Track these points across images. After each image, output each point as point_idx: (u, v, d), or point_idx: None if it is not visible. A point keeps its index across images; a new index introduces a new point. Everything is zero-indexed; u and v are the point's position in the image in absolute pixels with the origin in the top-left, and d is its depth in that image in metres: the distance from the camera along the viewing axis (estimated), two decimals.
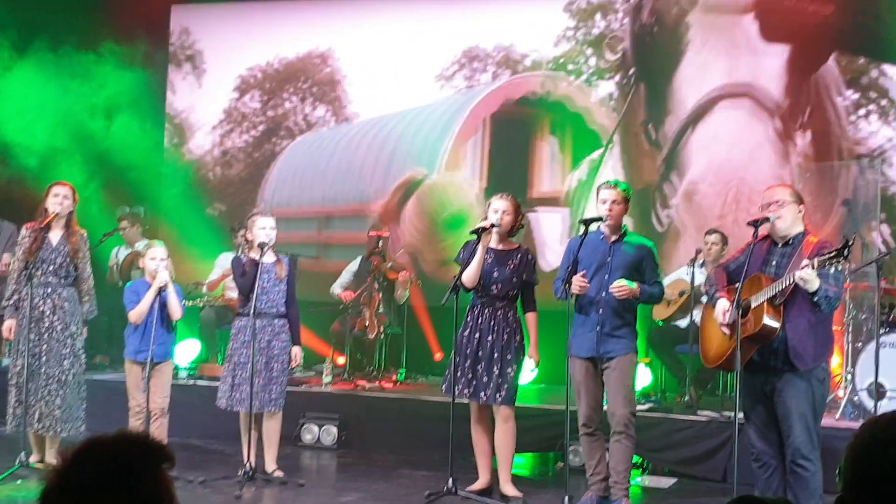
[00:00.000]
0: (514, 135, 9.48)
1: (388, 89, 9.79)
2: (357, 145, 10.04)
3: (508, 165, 9.44)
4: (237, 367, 6.23)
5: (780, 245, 4.88)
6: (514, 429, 5.83)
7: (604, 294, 5.47)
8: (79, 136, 8.76)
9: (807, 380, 4.72)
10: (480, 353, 5.79)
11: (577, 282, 5.42)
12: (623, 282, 5.40)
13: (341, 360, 8.60)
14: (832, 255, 4.46)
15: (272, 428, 6.33)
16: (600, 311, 5.48)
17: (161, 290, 6.23)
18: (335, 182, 10.06)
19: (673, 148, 8.81)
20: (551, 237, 9.20)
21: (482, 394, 5.77)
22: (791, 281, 4.60)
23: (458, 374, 5.82)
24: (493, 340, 5.78)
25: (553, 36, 9.33)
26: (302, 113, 10.37)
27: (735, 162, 8.62)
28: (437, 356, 9.08)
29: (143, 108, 9.26)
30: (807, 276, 4.51)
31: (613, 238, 5.56)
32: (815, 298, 4.59)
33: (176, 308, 6.28)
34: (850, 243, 4.52)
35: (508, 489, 5.84)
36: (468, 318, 5.89)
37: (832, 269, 4.50)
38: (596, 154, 9.09)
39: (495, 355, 5.77)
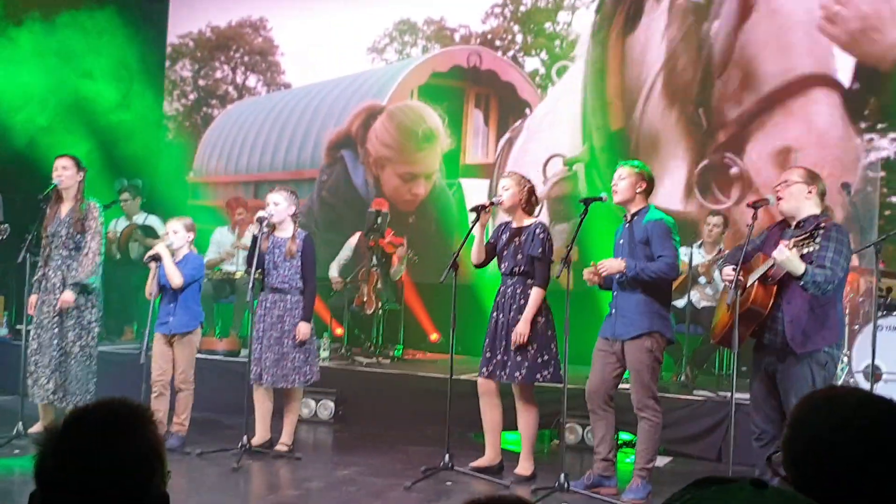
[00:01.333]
0: (443, 106, 9.57)
1: (321, 61, 9.88)
2: (289, 113, 10.08)
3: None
4: (255, 341, 6.25)
5: (792, 227, 4.87)
6: (532, 407, 5.83)
7: (617, 276, 5.47)
8: (72, 107, 8.74)
9: (807, 364, 4.70)
10: (497, 333, 5.83)
11: (586, 273, 5.45)
12: (604, 262, 5.40)
13: (339, 330, 8.63)
14: (804, 236, 4.44)
15: (287, 404, 6.35)
16: (616, 293, 5.50)
17: (157, 262, 6.24)
18: (266, 150, 10.11)
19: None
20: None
21: (500, 372, 5.80)
22: (771, 262, 4.58)
23: (489, 354, 5.86)
24: (506, 319, 5.81)
25: (481, 12, 9.43)
26: (234, 82, 10.38)
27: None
28: (433, 337, 9.09)
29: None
30: (777, 255, 4.46)
31: (628, 218, 5.55)
32: (802, 283, 4.55)
33: (171, 275, 6.28)
34: (822, 225, 4.50)
35: (521, 467, 5.86)
36: (496, 298, 5.94)
37: (808, 249, 4.47)
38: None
39: (503, 332, 5.80)
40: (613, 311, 5.49)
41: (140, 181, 9.40)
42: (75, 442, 1.55)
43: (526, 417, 5.85)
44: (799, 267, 4.50)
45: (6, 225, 6.78)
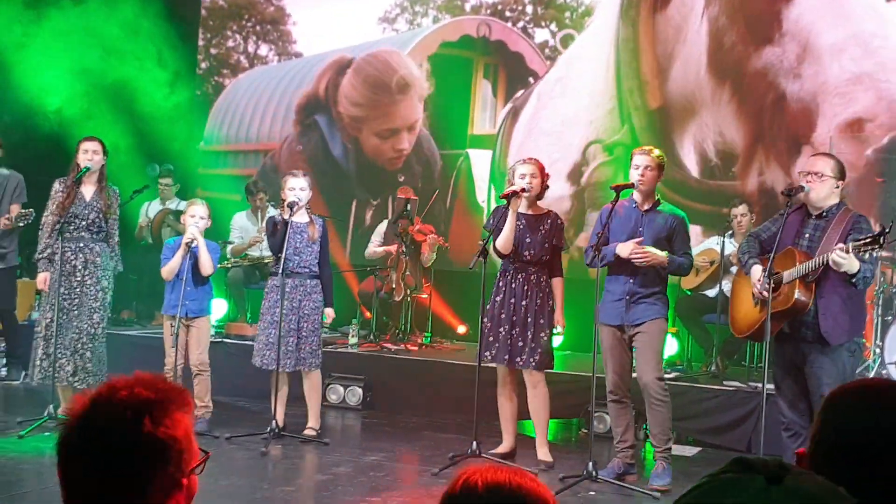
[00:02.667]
0: (452, 76, 9.53)
1: (332, 30, 9.81)
2: (300, 82, 10.06)
3: (448, 105, 9.51)
4: (270, 325, 6.26)
5: (814, 216, 4.82)
6: (545, 394, 5.82)
7: (631, 262, 5.43)
8: (104, 89, 8.78)
9: (837, 353, 4.70)
10: (515, 319, 5.78)
11: (631, 249, 5.36)
12: (651, 249, 5.36)
13: (369, 313, 8.66)
14: (867, 241, 4.41)
15: (309, 387, 6.37)
16: (631, 280, 5.45)
17: (190, 246, 6.25)
18: (276, 118, 10.14)
19: None
20: (481, 177, 9.40)
21: (518, 359, 5.78)
22: (823, 262, 4.55)
23: (491, 338, 5.82)
24: (527, 306, 5.77)
25: None
26: (245, 51, 10.38)
27: None
28: (461, 329, 9.05)
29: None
30: (839, 259, 4.46)
31: (646, 206, 5.50)
32: (854, 280, 4.56)
33: (206, 263, 6.30)
34: (888, 231, 4.47)
35: (541, 454, 5.86)
36: (501, 284, 5.86)
37: (867, 256, 4.46)
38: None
39: (529, 320, 5.76)
40: (626, 297, 5.44)
41: (171, 166, 9.44)
42: (99, 417, 1.51)
43: (544, 403, 5.84)
44: (855, 265, 4.52)
45: (30, 210, 6.81)
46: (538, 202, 5.90)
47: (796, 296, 4.66)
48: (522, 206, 5.85)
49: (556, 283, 5.84)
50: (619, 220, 5.49)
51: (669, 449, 5.50)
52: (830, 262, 4.49)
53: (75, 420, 1.52)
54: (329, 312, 6.34)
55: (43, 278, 6.40)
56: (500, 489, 1.39)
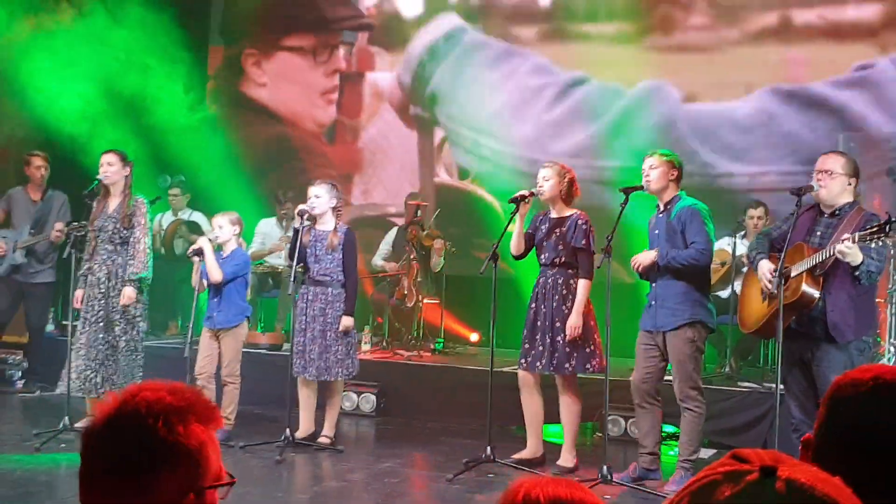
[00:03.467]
0: None
1: None
2: None
3: None
4: (297, 333, 6.28)
5: (826, 215, 4.81)
6: (572, 398, 5.80)
7: (657, 267, 5.44)
8: (116, 101, 8.82)
9: (846, 351, 4.68)
10: (539, 323, 5.79)
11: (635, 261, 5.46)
12: (639, 255, 5.43)
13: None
14: (874, 230, 4.39)
15: (329, 396, 6.38)
16: (654, 284, 5.46)
17: (199, 256, 6.28)
18: None
19: None
20: None
21: (538, 363, 5.77)
22: (831, 253, 4.54)
23: (527, 345, 5.84)
24: (546, 309, 5.77)
25: None
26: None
27: None
28: (474, 337, 9.04)
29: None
30: (846, 249, 4.43)
31: (662, 208, 5.50)
32: (857, 273, 4.53)
33: (213, 271, 6.31)
34: (894, 220, 4.44)
35: (563, 459, 5.84)
36: (533, 291, 5.91)
37: (873, 244, 4.43)
38: None
39: (548, 324, 5.76)
40: (653, 302, 5.44)
41: (183, 177, 9.48)
42: (122, 414, 1.50)
43: (569, 409, 5.82)
44: (859, 257, 4.48)
45: (85, 222, 6.81)
46: (565, 205, 5.86)
47: (803, 288, 4.65)
48: (552, 210, 5.88)
49: (580, 284, 5.76)
50: (651, 228, 5.56)
51: (693, 460, 5.45)
52: (837, 253, 4.47)
53: (101, 417, 1.53)
54: (344, 321, 6.26)
55: (78, 296, 6.47)
56: (561, 502, 1.39)
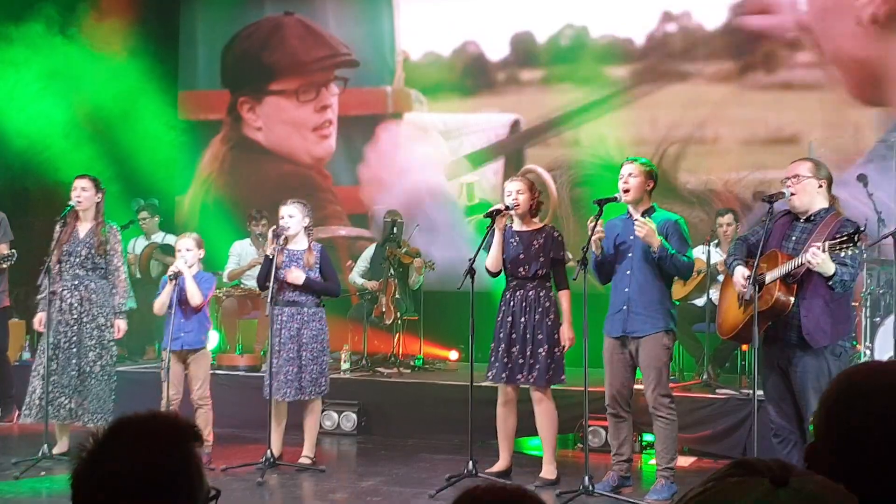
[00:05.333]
0: None
1: None
2: None
3: None
4: (273, 355, 6.26)
5: (801, 220, 4.84)
6: (549, 410, 5.85)
7: (628, 272, 5.46)
8: (90, 125, 8.79)
9: (822, 355, 4.71)
10: (514, 336, 5.82)
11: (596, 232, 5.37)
12: (647, 220, 5.30)
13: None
14: (843, 239, 4.42)
15: (307, 416, 6.36)
16: (626, 289, 5.48)
17: (176, 279, 6.26)
18: None
19: None
20: None
21: (518, 376, 5.81)
22: (800, 263, 4.56)
23: (493, 358, 5.87)
24: (526, 322, 5.81)
25: None
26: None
27: None
28: (453, 356, 9.04)
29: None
30: (814, 258, 4.45)
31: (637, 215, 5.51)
32: (830, 283, 4.56)
33: (194, 294, 6.29)
34: (862, 229, 4.48)
35: (545, 471, 5.87)
36: (502, 303, 5.93)
37: (843, 253, 4.46)
38: None
39: (528, 336, 5.79)
40: (624, 307, 5.46)
41: (157, 200, 9.46)
42: (115, 457, 1.51)
43: (548, 421, 5.86)
44: (830, 268, 4.50)
45: (13, 251, 6.78)
46: (533, 218, 5.93)
47: (777, 295, 4.69)
48: (517, 224, 5.90)
49: (562, 295, 5.84)
50: (615, 233, 5.53)
51: (672, 468, 5.49)
52: (805, 259, 4.51)
53: (93, 454, 1.53)
54: (298, 274, 6.17)
55: (39, 318, 6.41)
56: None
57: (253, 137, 10.46)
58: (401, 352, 8.55)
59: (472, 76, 9.79)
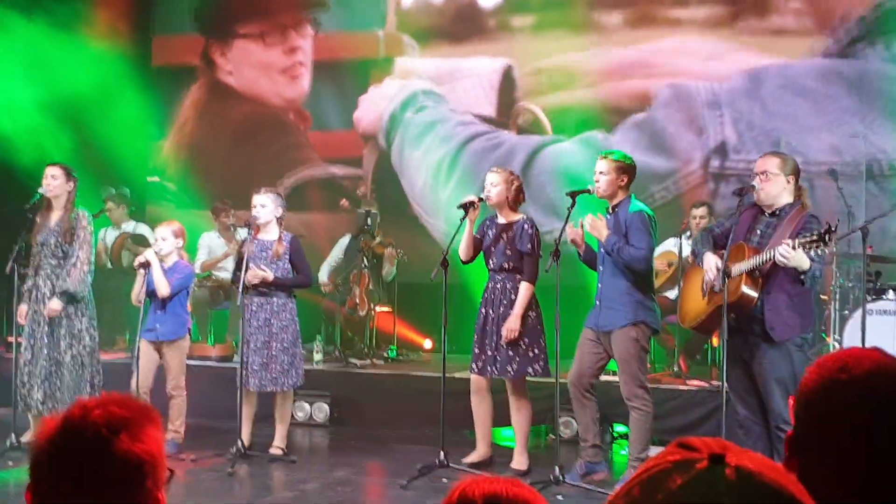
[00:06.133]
0: None
1: None
2: None
3: None
4: (244, 344, 6.24)
5: (766, 215, 4.90)
6: (521, 402, 5.89)
7: (602, 267, 5.53)
8: (61, 113, 8.73)
9: (784, 346, 4.78)
10: (487, 328, 5.86)
11: (570, 231, 5.48)
12: (586, 218, 5.43)
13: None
14: (813, 239, 4.46)
15: (278, 407, 6.37)
16: (599, 284, 5.56)
17: (145, 269, 6.24)
18: None
19: None
20: None
21: (492, 368, 5.85)
22: (770, 257, 4.61)
23: (477, 350, 5.92)
24: (495, 315, 5.84)
25: None
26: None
27: None
28: (427, 344, 9.08)
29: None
30: (785, 253, 4.49)
31: (610, 210, 5.58)
32: (802, 276, 4.61)
33: (160, 284, 6.27)
34: (833, 229, 4.52)
35: (516, 462, 5.92)
36: (484, 294, 5.99)
37: (812, 252, 4.51)
38: None
39: (494, 328, 5.84)
40: (598, 302, 5.53)
41: (127, 189, 9.41)
42: (73, 436, 1.51)
43: (519, 412, 5.90)
44: (806, 263, 4.53)
45: None
46: (512, 211, 5.94)
47: (742, 289, 4.74)
48: (499, 216, 5.95)
49: (521, 288, 5.83)
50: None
51: (643, 458, 5.54)
52: (777, 257, 4.55)
53: (48, 441, 1.52)
54: (265, 274, 6.14)
55: (22, 311, 6.39)
56: (499, 500, 1.42)
57: (226, 81, 10.51)
58: (374, 343, 8.55)
59: (464, 22, 9.79)
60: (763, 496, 0.99)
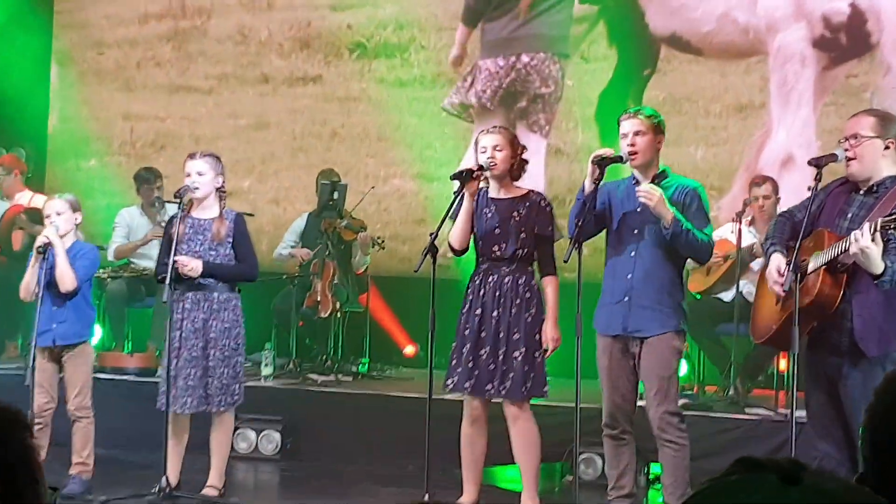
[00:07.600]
0: None
1: None
2: None
3: None
4: (172, 354, 6.17)
5: (861, 192, 4.85)
6: (529, 430, 5.81)
7: (633, 254, 5.44)
8: None
9: (873, 368, 4.70)
10: (484, 334, 5.78)
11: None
12: (653, 187, 5.28)
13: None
14: (893, 217, 4.41)
15: (216, 433, 6.32)
16: (630, 275, 5.45)
17: (45, 254, 6.17)
18: None
19: None
20: None
21: (488, 386, 5.77)
22: (845, 247, 4.55)
23: (454, 361, 5.83)
24: (499, 316, 5.77)
25: None
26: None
27: None
28: (409, 350, 9.09)
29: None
30: (855, 246, 4.42)
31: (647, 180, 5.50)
32: (876, 282, 4.54)
33: (65, 274, 6.19)
34: None
35: None
36: (469, 292, 5.87)
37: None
38: None
39: (501, 335, 5.75)
40: (626, 298, 5.45)
41: (22, 150, 9.37)
42: None
43: (526, 444, 5.84)
44: (878, 265, 4.48)
45: None
46: (514, 182, 5.89)
47: (820, 288, 4.71)
48: (493, 189, 5.87)
49: (547, 283, 5.79)
50: (616, 202, 5.51)
51: None
52: (851, 247, 4.48)
53: None
54: (196, 264, 6.09)
55: None
56: None
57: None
58: (341, 353, 8.55)
59: None
60: None
